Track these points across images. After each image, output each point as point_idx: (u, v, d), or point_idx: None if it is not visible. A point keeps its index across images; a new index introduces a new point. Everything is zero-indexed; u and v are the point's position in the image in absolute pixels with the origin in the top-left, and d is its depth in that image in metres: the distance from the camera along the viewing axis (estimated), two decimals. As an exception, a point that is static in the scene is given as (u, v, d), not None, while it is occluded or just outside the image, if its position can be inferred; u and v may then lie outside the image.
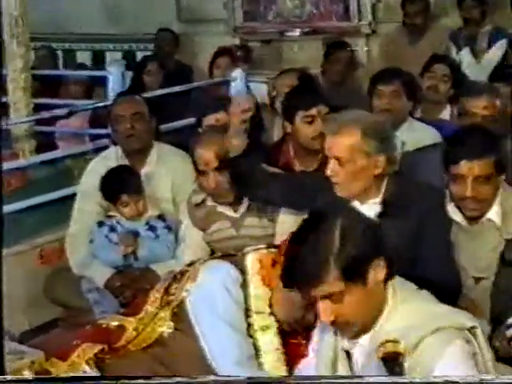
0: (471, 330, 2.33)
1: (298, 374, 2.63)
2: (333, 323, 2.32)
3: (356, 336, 2.38)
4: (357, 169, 3.20)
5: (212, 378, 2.43)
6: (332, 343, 2.43)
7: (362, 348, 2.37)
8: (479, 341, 2.34)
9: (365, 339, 2.37)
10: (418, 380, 2.18)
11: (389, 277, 2.34)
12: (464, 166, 3.11)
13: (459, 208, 3.20)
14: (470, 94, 3.92)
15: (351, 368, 2.39)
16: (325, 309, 2.28)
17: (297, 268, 2.29)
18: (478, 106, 3.82)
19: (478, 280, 3.18)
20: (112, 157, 4.33)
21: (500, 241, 3.14)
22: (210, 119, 4.37)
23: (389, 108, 4.19)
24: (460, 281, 3.19)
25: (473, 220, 3.20)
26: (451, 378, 2.19)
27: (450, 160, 3.16)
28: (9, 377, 2.36)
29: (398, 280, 2.40)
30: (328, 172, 3.23)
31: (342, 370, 2.39)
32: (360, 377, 2.19)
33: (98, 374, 2.93)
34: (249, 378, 2.39)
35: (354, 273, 2.26)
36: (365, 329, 2.36)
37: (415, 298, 2.39)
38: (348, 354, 2.41)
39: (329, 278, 2.26)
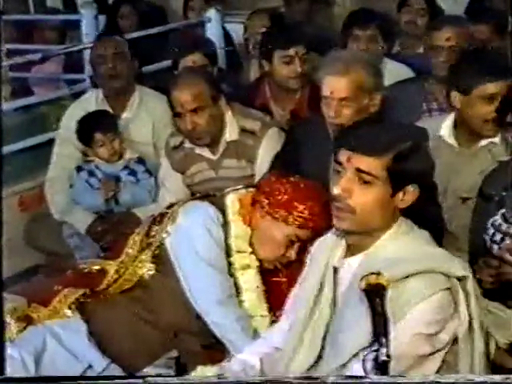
0: (461, 279, 2.31)
1: (288, 307, 2.61)
2: (335, 198, 2.34)
3: (351, 247, 2.39)
4: (360, 107, 3.22)
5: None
6: (326, 257, 2.43)
7: (351, 269, 2.37)
8: (468, 291, 2.31)
9: (355, 260, 2.37)
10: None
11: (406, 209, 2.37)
12: (490, 87, 3.14)
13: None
14: (432, 28, 3.95)
15: (335, 287, 2.40)
16: (348, 184, 2.30)
17: (360, 131, 2.37)
18: (441, 38, 3.85)
19: (464, 200, 3.23)
20: (91, 101, 4.32)
21: (490, 165, 3.16)
22: (186, 61, 4.33)
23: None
24: (445, 225, 3.19)
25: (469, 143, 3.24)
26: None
27: (474, 83, 3.18)
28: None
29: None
30: (331, 114, 3.21)
31: (327, 289, 2.40)
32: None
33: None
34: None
35: (398, 177, 2.30)
36: (361, 245, 2.37)
37: (416, 235, 2.40)
38: (335, 273, 2.42)
39: (383, 158, 2.29)
